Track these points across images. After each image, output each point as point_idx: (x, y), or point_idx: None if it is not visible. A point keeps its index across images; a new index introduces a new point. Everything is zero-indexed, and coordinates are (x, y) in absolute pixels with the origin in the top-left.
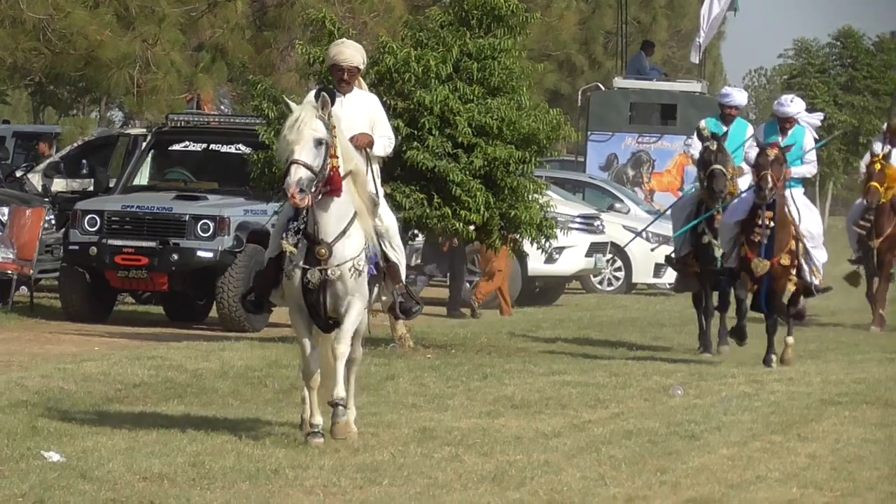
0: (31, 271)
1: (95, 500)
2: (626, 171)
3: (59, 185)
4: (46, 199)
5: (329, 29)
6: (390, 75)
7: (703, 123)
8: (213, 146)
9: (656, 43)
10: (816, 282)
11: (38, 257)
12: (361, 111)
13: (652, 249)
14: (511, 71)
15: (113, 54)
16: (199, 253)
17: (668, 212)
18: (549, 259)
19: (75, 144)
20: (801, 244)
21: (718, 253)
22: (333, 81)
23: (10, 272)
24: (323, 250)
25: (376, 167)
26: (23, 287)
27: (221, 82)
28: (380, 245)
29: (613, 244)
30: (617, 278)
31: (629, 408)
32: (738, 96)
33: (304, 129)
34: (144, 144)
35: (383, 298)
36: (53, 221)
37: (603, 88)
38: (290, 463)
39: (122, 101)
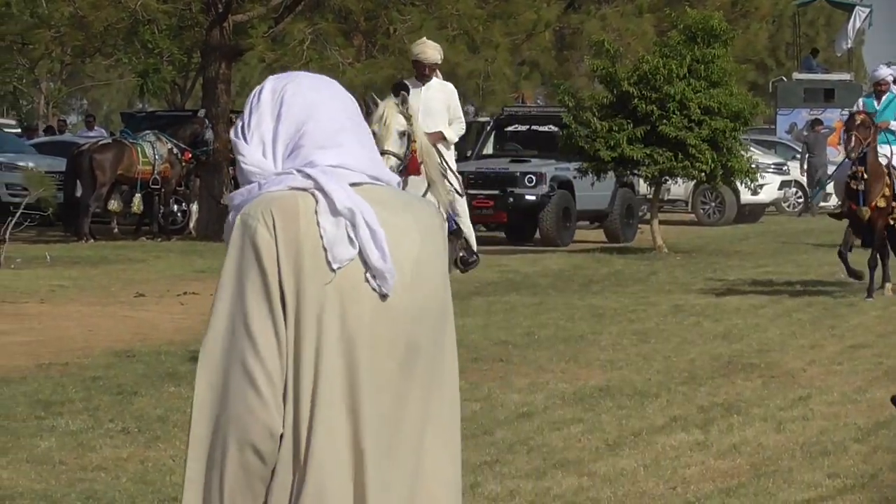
0: None
1: (466, 359)
2: (803, 133)
3: None
4: None
5: (606, 48)
6: (647, 76)
7: (860, 102)
8: (533, 127)
9: (819, 49)
10: None
11: None
12: (439, 97)
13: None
14: (725, 70)
15: (465, 70)
16: (527, 197)
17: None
18: (754, 192)
19: None
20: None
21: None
22: (416, 72)
23: None
24: None
25: (450, 153)
26: None
27: (536, 86)
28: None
29: (797, 182)
30: (799, 203)
31: (810, 287)
32: (881, 72)
33: (391, 123)
34: (488, 127)
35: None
36: None
37: (785, 80)
38: (590, 330)
39: (472, 100)
